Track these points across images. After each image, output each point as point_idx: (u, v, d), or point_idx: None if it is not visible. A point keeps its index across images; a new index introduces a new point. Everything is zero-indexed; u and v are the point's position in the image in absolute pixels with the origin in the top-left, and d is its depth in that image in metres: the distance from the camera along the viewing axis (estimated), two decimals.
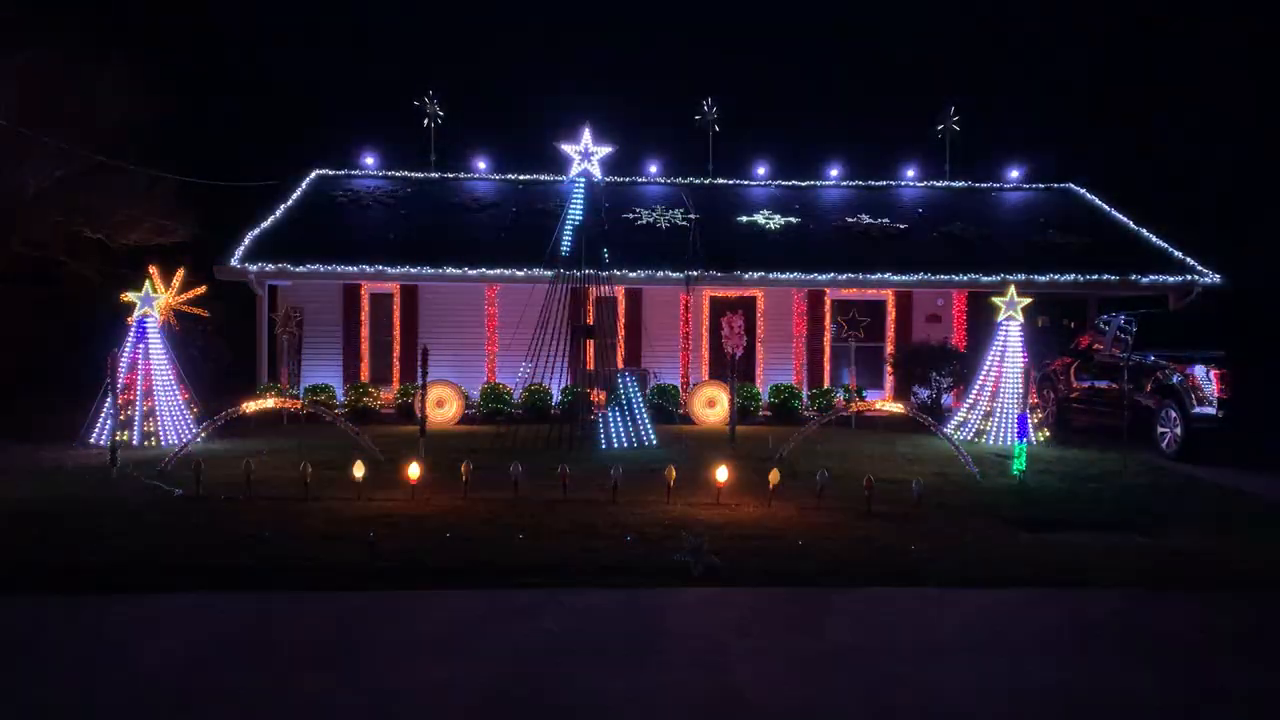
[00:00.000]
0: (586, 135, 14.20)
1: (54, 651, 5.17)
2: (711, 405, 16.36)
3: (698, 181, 22.31)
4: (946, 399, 17.50)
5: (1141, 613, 6.07)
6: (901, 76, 37.39)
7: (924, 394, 17.64)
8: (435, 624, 5.67)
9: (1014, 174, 22.82)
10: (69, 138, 17.84)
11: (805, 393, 18.07)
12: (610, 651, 5.22)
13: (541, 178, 22.01)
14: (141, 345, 13.02)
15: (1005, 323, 14.21)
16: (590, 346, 14.04)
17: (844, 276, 18.22)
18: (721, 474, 9.11)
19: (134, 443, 12.53)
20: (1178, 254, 18.96)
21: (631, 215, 19.85)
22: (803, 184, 22.40)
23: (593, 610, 5.94)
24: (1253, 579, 6.87)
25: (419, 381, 12.17)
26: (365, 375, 19.31)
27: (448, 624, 5.67)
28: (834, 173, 22.69)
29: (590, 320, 13.99)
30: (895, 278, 18.35)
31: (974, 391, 14.60)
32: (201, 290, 17.08)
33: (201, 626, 5.60)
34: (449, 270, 17.90)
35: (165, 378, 13.16)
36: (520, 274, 17.55)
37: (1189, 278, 18.20)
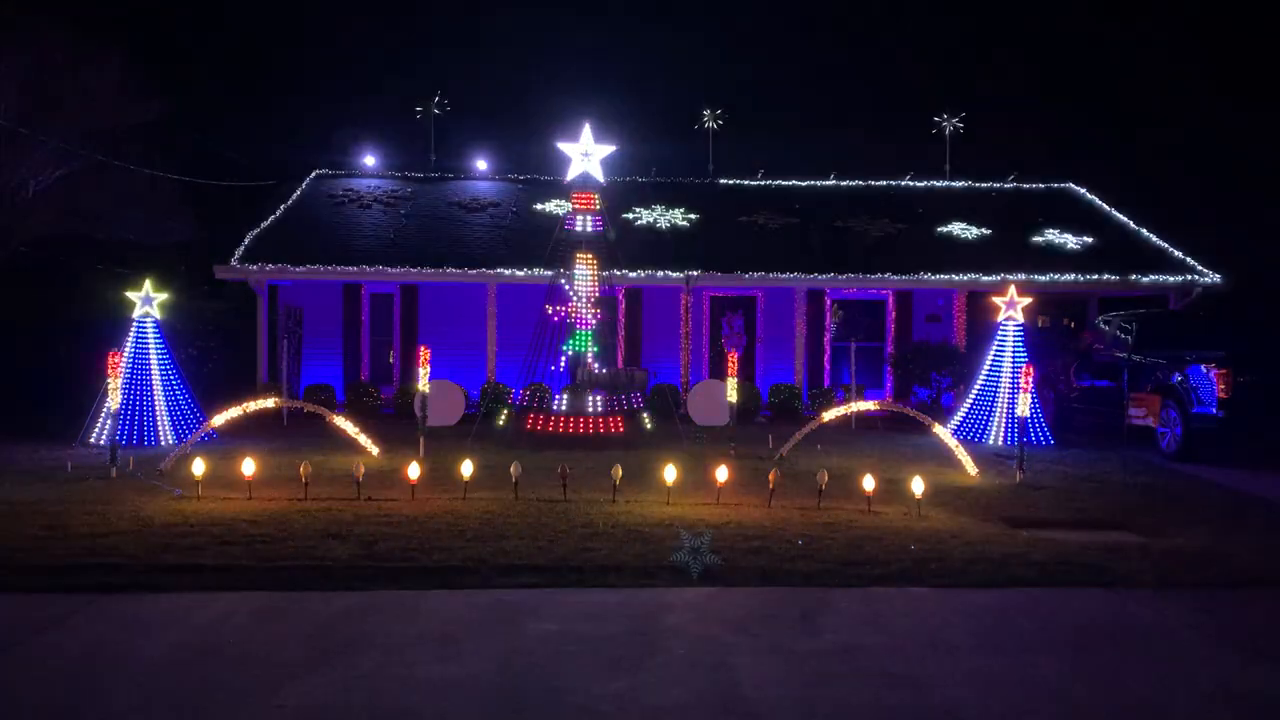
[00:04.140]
0: (587, 135, 14.17)
1: (54, 651, 5.16)
2: (711, 405, 16.31)
3: (698, 181, 22.31)
4: (947, 399, 17.50)
5: (1140, 613, 6.07)
6: (902, 77, 37.40)
7: (924, 394, 17.64)
8: (435, 624, 5.66)
9: (1014, 174, 22.81)
10: (69, 138, 17.83)
11: (805, 393, 18.06)
12: (610, 651, 5.22)
13: (541, 177, 22.01)
14: (141, 345, 13.02)
15: (1005, 323, 14.21)
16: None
17: (844, 276, 18.23)
18: (721, 474, 9.12)
19: (123, 442, 12.46)
20: (1178, 254, 18.96)
21: (632, 215, 19.85)
22: (803, 183, 22.39)
23: (593, 610, 5.94)
24: (1253, 579, 6.87)
25: (419, 381, 12.17)
26: (365, 375, 19.32)
27: (447, 624, 5.67)
28: (834, 172, 22.69)
29: (595, 320, 13.99)
30: (895, 278, 18.35)
31: (974, 391, 14.60)
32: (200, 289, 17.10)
33: (200, 626, 5.60)
34: (449, 270, 17.91)
35: (165, 377, 13.16)
36: (520, 274, 17.56)
37: (1189, 278, 18.20)
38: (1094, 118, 31.40)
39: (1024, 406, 11.47)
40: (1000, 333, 14.24)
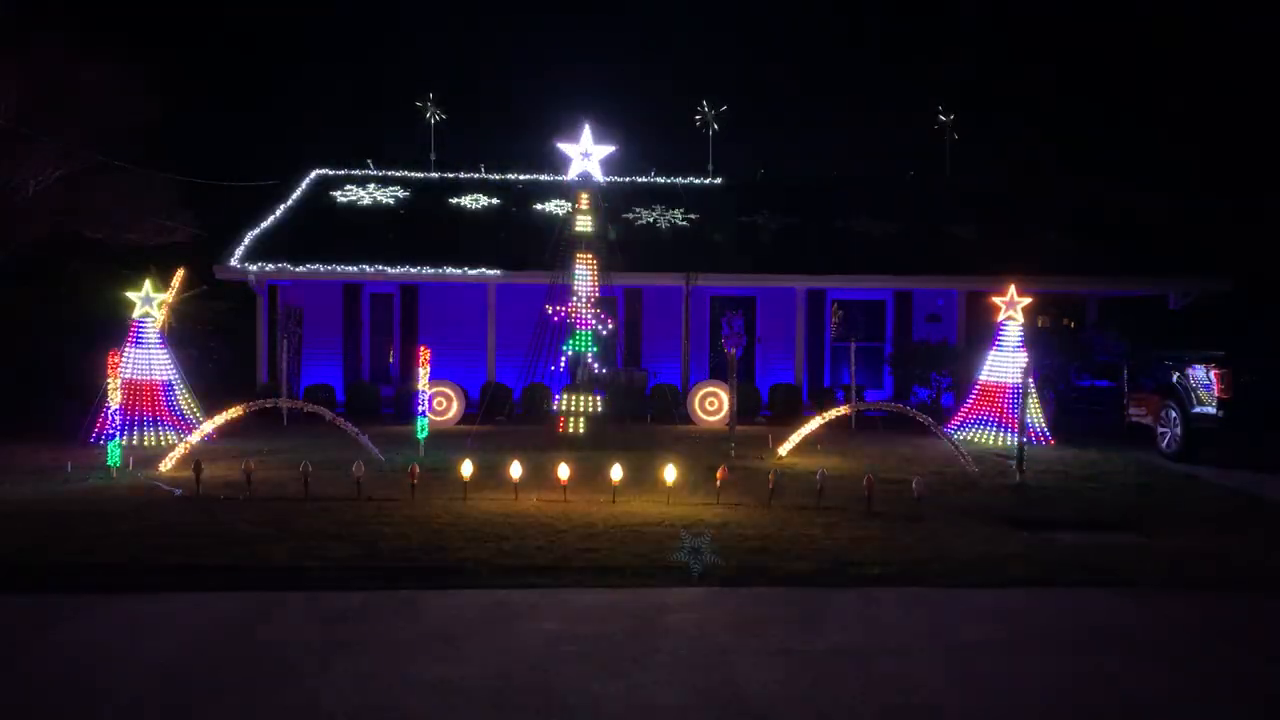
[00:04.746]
0: (586, 135, 14.19)
1: (54, 651, 5.16)
2: (711, 405, 16.35)
3: (698, 181, 22.31)
4: (947, 399, 17.50)
5: (1141, 613, 6.06)
6: (902, 77, 37.41)
7: (924, 394, 17.63)
8: (435, 624, 5.66)
9: (1014, 174, 22.80)
10: (69, 138, 17.83)
11: (805, 393, 18.06)
12: (610, 651, 5.21)
13: (541, 178, 22.01)
14: (141, 345, 13.02)
15: (1005, 323, 14.21)
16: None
17: (844, 276, 18.23)
18: (721, 474, 9.12)
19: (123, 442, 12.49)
20: (1178, 254, 18.95)
21: (632, 215, 19.85)
22: (802, 183, 22.39)
23: (593, 610, 5.94)
24: (1253, 579, 6.86)
25: (419, 381, 12.16)
26: (365, 375, 19.32)
27: (447, 624, 5.67)
28: (834, 172, 22.69)
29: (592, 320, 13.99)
30: (895, 278, 18.34)
31: (974, 391, 14.60)
32: (200, 289, 17.08)
33: (201, 626, 5.59)
34: (449, 270, 17.92)
35: (165, 377, 13.17)
36: (520, 274, 17.55)
37: (1189, 278, 18.19)
38: (1096, 117, 31.43)
39: (1025, 407, 11.47)
40: (1000, 333, 14.24)
